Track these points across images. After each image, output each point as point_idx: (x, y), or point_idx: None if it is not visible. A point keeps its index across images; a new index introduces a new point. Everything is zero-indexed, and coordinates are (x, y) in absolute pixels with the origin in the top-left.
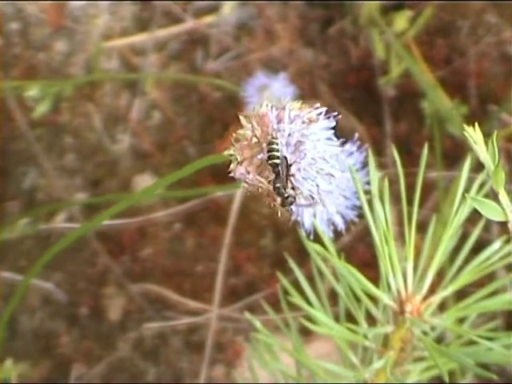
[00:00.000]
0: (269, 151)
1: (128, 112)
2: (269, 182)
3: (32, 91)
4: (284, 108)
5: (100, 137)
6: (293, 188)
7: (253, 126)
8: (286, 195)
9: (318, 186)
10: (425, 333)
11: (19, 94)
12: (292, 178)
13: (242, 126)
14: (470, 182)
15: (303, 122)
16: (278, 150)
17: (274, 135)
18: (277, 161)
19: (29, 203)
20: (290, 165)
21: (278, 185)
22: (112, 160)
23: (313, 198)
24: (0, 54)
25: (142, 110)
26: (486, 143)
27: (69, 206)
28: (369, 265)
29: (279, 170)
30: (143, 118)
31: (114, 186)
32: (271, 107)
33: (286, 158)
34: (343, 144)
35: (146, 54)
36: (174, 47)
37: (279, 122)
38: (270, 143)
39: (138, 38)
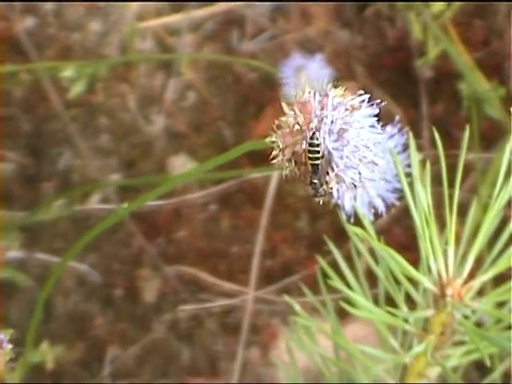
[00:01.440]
0: (310, 145)
1: (163, 93)
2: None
3: (67, 72)
4: (327, 95)
5: (135, 117)
6: (327, 182)
7: (295, 113)
8: (319, 191)
9: (360, 173)
10: (465, 317)
11: (54, 74)
12: (333, 169)
13: (283, 113)
14: (510, 164)
15: (346, 109)
16: (318, 145)
17: (316, 126)
18: (317, 156)
19: (63, 184)
20: (330, 160)
21: (314, 180)
22: (147, 141)
23: (355, 186)
24: (35, 35)
25: (176, 91)
26: None
27: (104, 187)
28: (406, 247)
29: (319, 165)
30: (178, 98)
31: (148, 167)
32: (314, 94)
33: (328, 152)
34: (383, 126)
35: (181, 34)
36: (209, 27)
37: (322, 108)
38: (311, 138)
39: (173, 18)
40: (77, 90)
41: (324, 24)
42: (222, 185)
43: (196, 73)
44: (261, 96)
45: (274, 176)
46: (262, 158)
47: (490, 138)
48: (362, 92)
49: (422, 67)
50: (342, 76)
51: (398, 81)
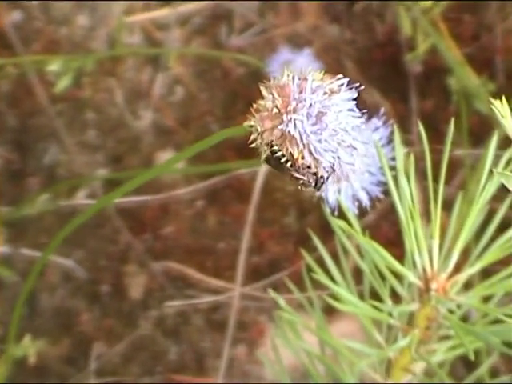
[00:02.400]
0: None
1: (150, 87)
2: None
3: (53, 66)
4: (306, 78)
5: (122, 112)
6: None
7: (273, 96)
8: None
9: (339, 158)
10: (451, 311)
11: (40, 68)
12: (311, 153)
13: (262, 97)
14: (497, 159)
15: (325, 93)
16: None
17: (294, 109)
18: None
19: (49, 179)
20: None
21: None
22: (134, 136)
23: (334, 170)
24: (21, 29)
25: (164, 86)
26: None
27: (90, 182)
28: (393, 243)
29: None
30: (166, 93)
31: (135, 162)
32: (292, 77)
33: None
34: (368, 119)
35: (169, 28)
36: (197, 22)
37: (300, 92)
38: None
39: (161, 13)
40: (63, 84)
41: (313, 19)
42: (209, 180)
43: (184, 67)
44: (249, 91)
45: (262, 171)
46: (249, 153)
47: (479, 134)
48: (340, 76)
49: (411, 62)
50: (331, 71)
51: (387, 76)
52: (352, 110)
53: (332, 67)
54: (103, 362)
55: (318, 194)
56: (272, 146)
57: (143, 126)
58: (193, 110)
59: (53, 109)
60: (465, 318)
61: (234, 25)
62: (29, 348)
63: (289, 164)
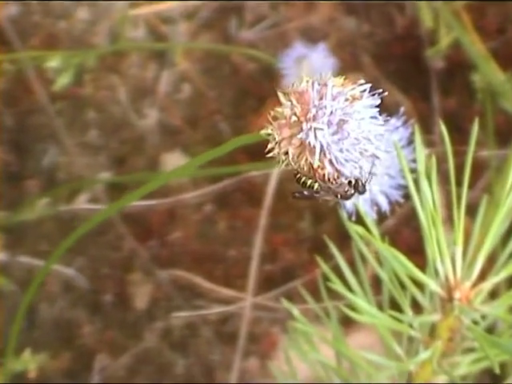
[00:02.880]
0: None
1: (155, 84)
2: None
3: (52, 62)
4: (326, 84)
5: (125, 111)
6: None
7: (292, 103)
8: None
9: (361, 168)
10: (475, 322)
11: (39, 65)
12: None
13: (280, 103)
14: None
15: (346, 100)
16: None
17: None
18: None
19: (49, 182)
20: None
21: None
22: (138, 136)
23: (358, 181)
24: (18, 23)
25: (170, 83)
26: None
27: (92, 185)
28: (415, 250)
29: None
30: (172, 91)
31: (140, 164)
32: (312, 83)
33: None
34: (388, 119)
35: (175, 22)
36: (205, 15)
37: (320, 99)
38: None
39: (167, 5)
40: (63, 81)
41: (328, 11)
42: (219, 184)
43: (191, 63)
44: (260, 88)
45: (274, 173)
46: (260, 155)
47: (505, 134)
48: (363, 81)
49: (432, 57)
50: (348, 67)
51: (407, 72)
52: (375, 117)
53: (348, 63)
54: (106, 376)
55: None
56: (298, 176)
57: (148, 125)
58: (200, 108)
59: (52, 108)
60: (490, 330)
61: (244, 18)
62: (29, 362)
63: (315, 185)
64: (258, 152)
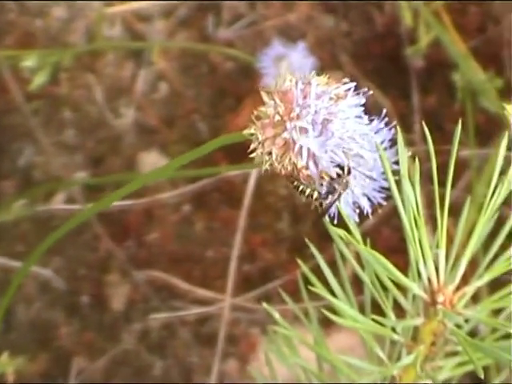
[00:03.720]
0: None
1: (132, 84)
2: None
3: (28, 61)
4: (310, 83)
5: (102, 111)
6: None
7: (275, 102)
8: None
9: (343, 166)
10: (458, 326)
11: (14, 64)
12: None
13: (262, 102)
14: (506, 161)
15: (331, 99)
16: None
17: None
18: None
19: (25, 183)
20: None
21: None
22: (115, 136)
23: (340, 180)
24: None
25: (147, 82)
26: None
27: (68, 185)
28: (395, 250)
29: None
30: (149, 90)
31: (117, 164)
32: (296, 82)
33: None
34: (371, 121)
35: (152, 20)
36: (182, 13)
37: (304, 98)
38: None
39: (144, 4)
40: (39, 80)
41: (307, 9)
42: (197, 183)
43: (168, 62)
44: (238, 87)
45: (253, 173)
46: (239, 154)
47: (486, 133)
48: (347, 80)
49: (412, 56)
50: (326, 65)
51: (386, 71)
52: (359, 116)
53: (327, 62)
54: (84, 379)
55: (325, 204)
56: (296, 184)
57: (125, 125)
58: (178, 107)
59: (28, 107)
60: (473, 333)
61: (221, 16)
62: (7, 366)
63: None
64: (236, 152)
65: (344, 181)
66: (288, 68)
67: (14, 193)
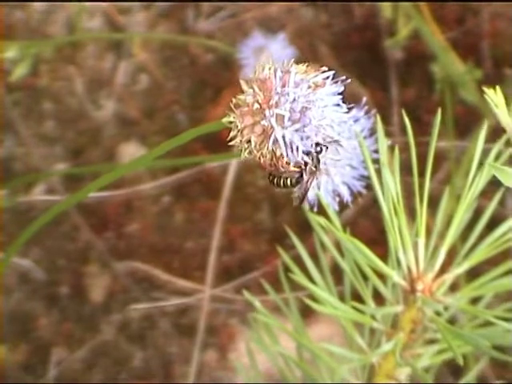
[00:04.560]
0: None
1: (112, 75)
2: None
3: (8, 52)
4: (288, 71)
5: (82, 102)
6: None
7: (254, 90)
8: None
9: (323, 154)
10: (437, 313)
11: None
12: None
13: (241, 91)
14: (484, 152)
15: (309, 87)
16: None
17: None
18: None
19: (5, 174)
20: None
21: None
22: (95, 127)
23: (317, 168)
24: None
25: (127, 74)
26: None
27: (48, 176)
28: (374, 241)
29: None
30: (129, 82)
31: (97, 155)
32: (274, 71)
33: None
34: (350, 110)
35: (132, 12)
36: (162, 5)
37: (283, 86)
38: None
39: None
40: (19, 72)
41: (286, 1)
42: (176, 175)
43: (148, 54)
44: (218, 79)
45: (233, 164)
46: (219, 145)
47: (465, 125)
48: (325, 69)
49: (391, 48)
50: (306, 57)
51: (365, 62)
52: (337, 104)
53: (307, 53)
54: (63, 369)
55: (298, 192)
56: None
57: (105, 116)
58: (158, 99)
59: (8, 98)
60: (452, 321)
61: (201, 8)
62: None
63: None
64: (216, 143)
65: (319, 167)
66: (268, 59)
67: None
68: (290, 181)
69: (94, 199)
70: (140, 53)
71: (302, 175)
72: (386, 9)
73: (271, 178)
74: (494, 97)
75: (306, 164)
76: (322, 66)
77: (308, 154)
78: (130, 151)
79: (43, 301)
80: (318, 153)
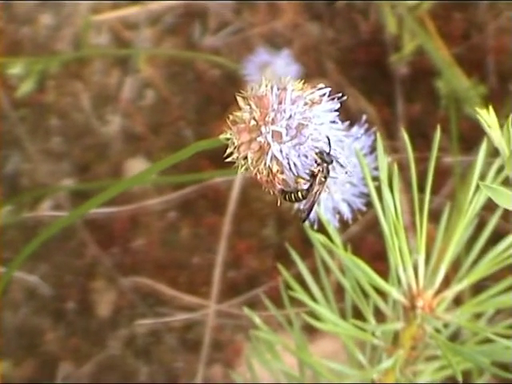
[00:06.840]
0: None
1: (119, 91)
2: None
3: (15, 68)
4: (285, 88)
5: (88, 118)
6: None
7: (251, 107)
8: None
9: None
10: (437, 330)
11: (1, 71)
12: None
13: (239, 108)
14: (489, 166)
15: (305, 104)
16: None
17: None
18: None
19: (12, 189)
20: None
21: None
22: (101, 143)
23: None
24: None
25: (134, 89)
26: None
27: (55, 192)
28: (379, 257)
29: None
30: (135, 97)
31: (103, 171)
32: (271, 87)
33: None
34: (350, 126)
35: (139, 28)
36: (168, 21)
37: (280, 103)
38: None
39: (130, 11)
40: (26, 88)
41: (292, 17)
42: (182, 190)
43: (155, 70)
44: (224, 94)
45: (238, 180)
46: (224, 161)
47: (470, 140)
48: (322, 85)
49: (397, 63)
50: (312, 73)
51: (371, 78)
52: (334, 121)
53: (312, 69)
54: None
55: (298, 206)
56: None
57: (111, 132)
58: (164, 115)
59: (15, 114)
60: (453, 338)
61: (208, 24)
62: None
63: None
64: (221, 158)
65: (318, 185)
66: (273, 75)
67: (1, 200)
68: (301, 193)
69: (101, 215)
70: (146, 68)
71: (311, 186)
72: (392, 24)
73: (283, 193)
74: (487, 117)
75: (314, 175)
76: (327, 83)
77: (318, 164)
78: (137, 167)
79: (50, 316)
80: (329, 163)
